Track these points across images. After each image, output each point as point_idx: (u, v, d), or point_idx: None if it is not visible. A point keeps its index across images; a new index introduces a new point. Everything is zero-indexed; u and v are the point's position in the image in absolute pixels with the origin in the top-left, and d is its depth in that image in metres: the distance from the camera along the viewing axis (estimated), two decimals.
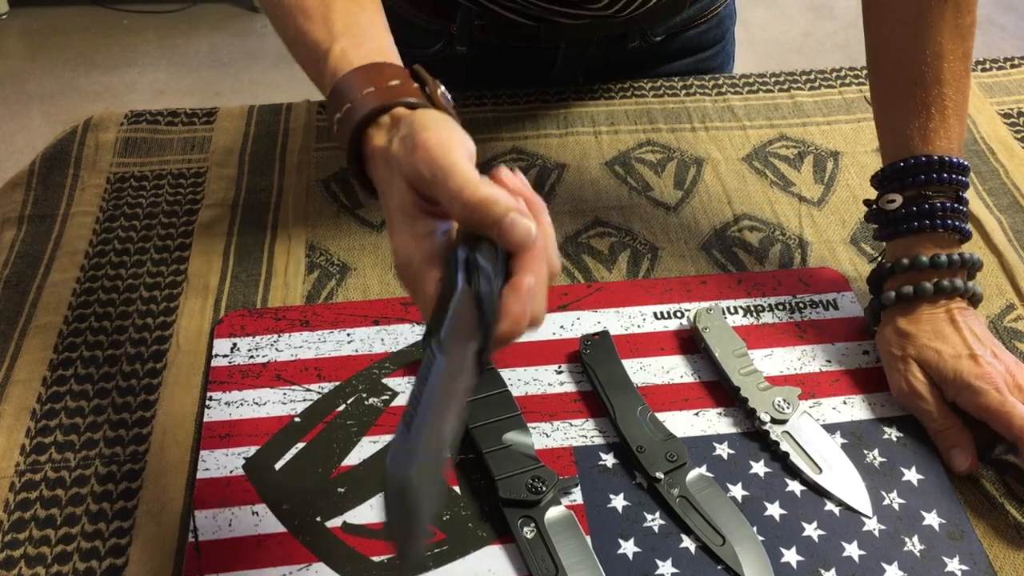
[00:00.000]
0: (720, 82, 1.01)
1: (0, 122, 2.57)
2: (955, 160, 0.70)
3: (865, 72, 1.02)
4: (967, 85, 0.72)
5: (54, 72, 2.77)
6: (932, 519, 0.63)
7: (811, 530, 0.63)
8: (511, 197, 0.48)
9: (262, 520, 0.63)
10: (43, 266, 0.81)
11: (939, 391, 0.68)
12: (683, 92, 1.00)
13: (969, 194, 0.87)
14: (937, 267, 0.69)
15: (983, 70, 1.03)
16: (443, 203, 0.49)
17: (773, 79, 1.02)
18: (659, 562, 0.61)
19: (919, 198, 0.71)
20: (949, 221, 0.70)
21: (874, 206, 0.74)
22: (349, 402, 0.70)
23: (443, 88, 0.57)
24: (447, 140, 0.49)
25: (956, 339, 0.68)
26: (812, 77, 1.02)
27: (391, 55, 0.59)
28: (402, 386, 0.71)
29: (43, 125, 2.56)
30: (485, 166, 0.49)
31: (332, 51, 0.58)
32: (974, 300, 0.71)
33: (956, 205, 0.70)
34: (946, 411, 0.67)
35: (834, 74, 1.02)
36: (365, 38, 0.59)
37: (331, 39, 0.58)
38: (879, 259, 0.74)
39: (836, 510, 0.64)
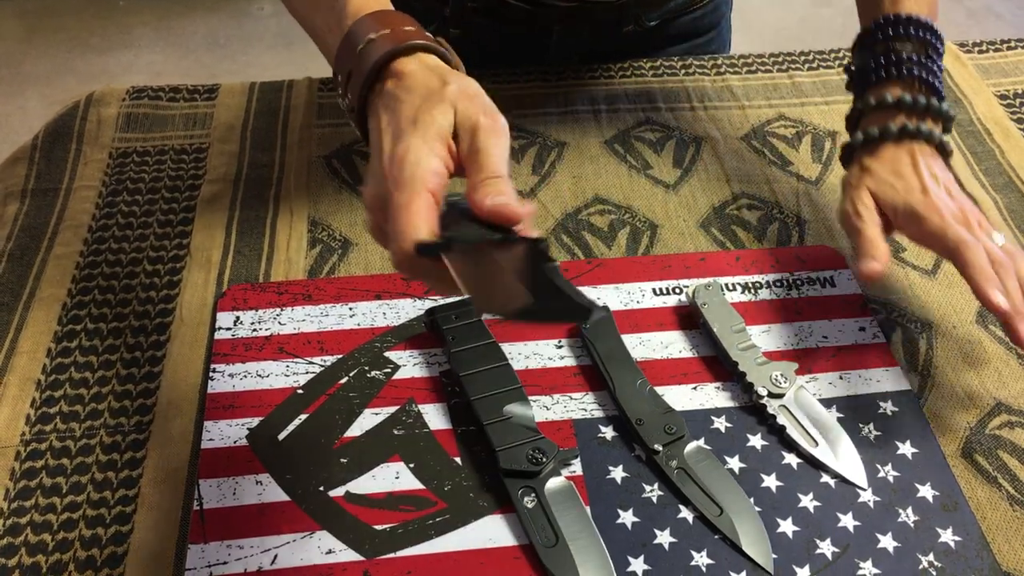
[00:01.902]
0: (719, 62, 1.01)
1: None
2: (923, 19, 0.73)
3: None
4: None
5: (50, 54, 2.76)
6: (926, 491, 0.64)
7: (807, 501, 0.64)
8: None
9: (266, 489, 0.64)
10: (47, 239, 0.81)
11: (880, 220, 0.69)
12: (682, 72, 1.00)
13: (965, 174, 0.88)
14: (902, 107, 0.71)
15: (980, 52, 1.04)
16: (464, 165, 0.52)
17: (772, 59, 1.02)
18: (657, 532, 0.62)
19: (888, 51, 0.73)
20: (916, 71, 0.72)
21: (851, 67, 0.77)
22: (351, 375, 0.71)
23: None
24: (502, 125, 0.53)
25: (912, 176, 0.69)
26: (811, 58, 1.03)
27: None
28: (403, 359, 0.72)
29: (39, 107, 2.56)
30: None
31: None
32: (943, 150, 0.71)
33: (925, 60, 0.72)
34: (877, 232, 0.68)
35: (832, 55, 1.03)
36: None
37: None
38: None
39: (832, 482, 0.65)
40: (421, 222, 0.49)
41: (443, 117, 0.52)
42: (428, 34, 0.58)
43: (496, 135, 0.52)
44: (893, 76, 0.72)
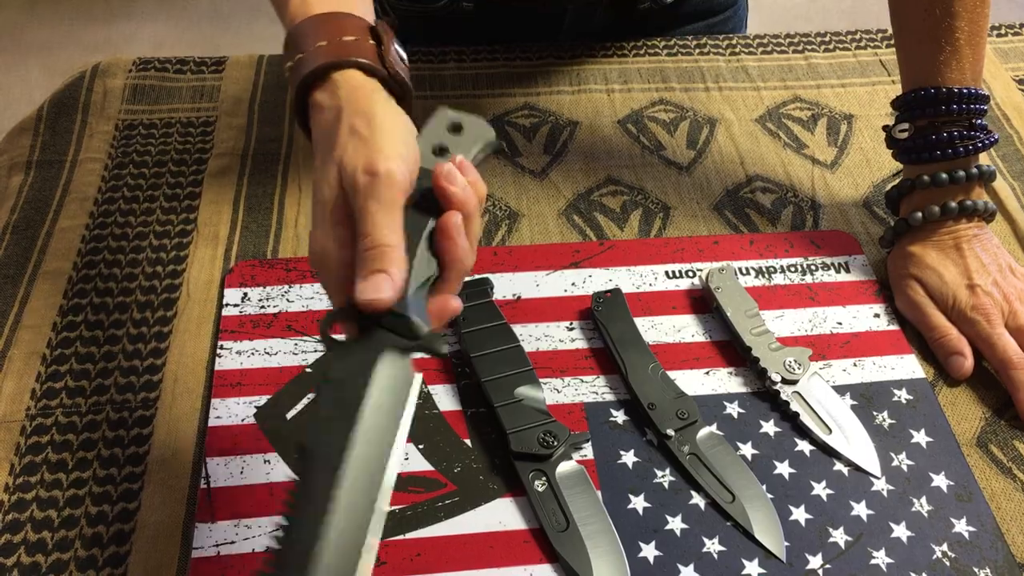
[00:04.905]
0: (734, 42, 1.00)
1: None
2: (966, 91, 0.72)
3: (880, 35, 1.01)
4: (983, 15, 0.73)
5: (52, 23, 2.73)
6: (940, 481, 0.64)
7: (820, 489, 0.63)
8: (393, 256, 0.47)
9: (273, 468, 0.63)
10: (52, 212, 0.80)
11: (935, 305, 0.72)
12: (697, 52, 0.99)
13: (983, 160, 0.87)
14: (953, 182, 0.72)
15: (998, 35, 1.02)
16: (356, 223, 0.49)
17: (787, 40, 1.01)
18: (669, 517, 0.61)
19: (929, 128, 0.73)
20: (960, 149, 0.72)
21: (890, 132, 0.76)
22: None
23: (397, 47, 0.56)
24: (395, 172, 0.48)
25: (959, 267, 0.72)
26: (827, 39, 1.01)
27: (356, 5, 0.58)
28: None
29: (41, 76, 2.53)
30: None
31: None
32: (987, 217, 0.74)
33: (968, 132, 0.72)
34: (944, 321, 0.71)
35: (849, 36, 1.01)
36: None
37: None
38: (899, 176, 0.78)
39: (845, 470, 0.64)
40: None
41: (329, 189, 0.50)
42: (346, 38, 0.55)
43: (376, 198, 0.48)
44: (936, 158, 0.72)
